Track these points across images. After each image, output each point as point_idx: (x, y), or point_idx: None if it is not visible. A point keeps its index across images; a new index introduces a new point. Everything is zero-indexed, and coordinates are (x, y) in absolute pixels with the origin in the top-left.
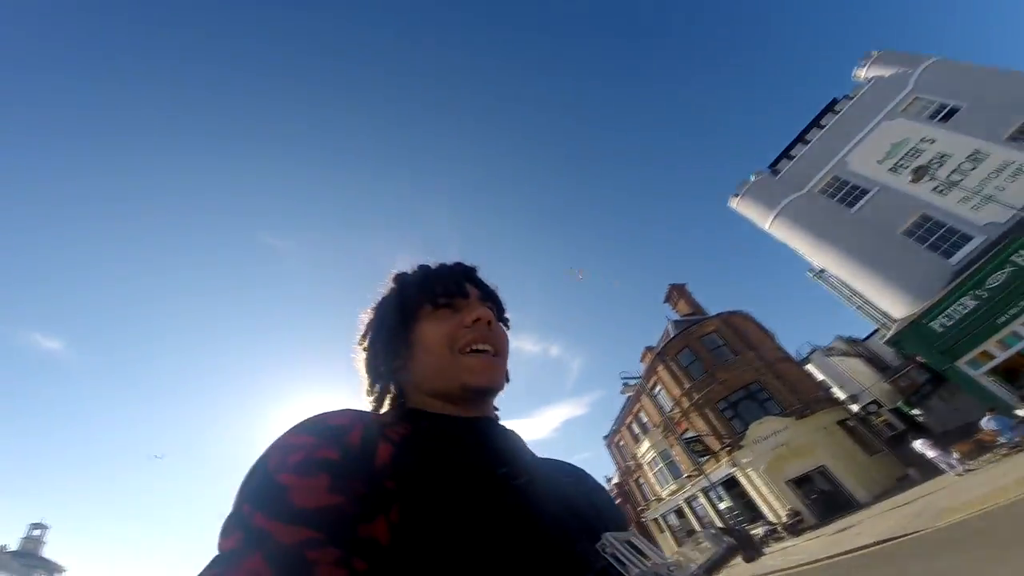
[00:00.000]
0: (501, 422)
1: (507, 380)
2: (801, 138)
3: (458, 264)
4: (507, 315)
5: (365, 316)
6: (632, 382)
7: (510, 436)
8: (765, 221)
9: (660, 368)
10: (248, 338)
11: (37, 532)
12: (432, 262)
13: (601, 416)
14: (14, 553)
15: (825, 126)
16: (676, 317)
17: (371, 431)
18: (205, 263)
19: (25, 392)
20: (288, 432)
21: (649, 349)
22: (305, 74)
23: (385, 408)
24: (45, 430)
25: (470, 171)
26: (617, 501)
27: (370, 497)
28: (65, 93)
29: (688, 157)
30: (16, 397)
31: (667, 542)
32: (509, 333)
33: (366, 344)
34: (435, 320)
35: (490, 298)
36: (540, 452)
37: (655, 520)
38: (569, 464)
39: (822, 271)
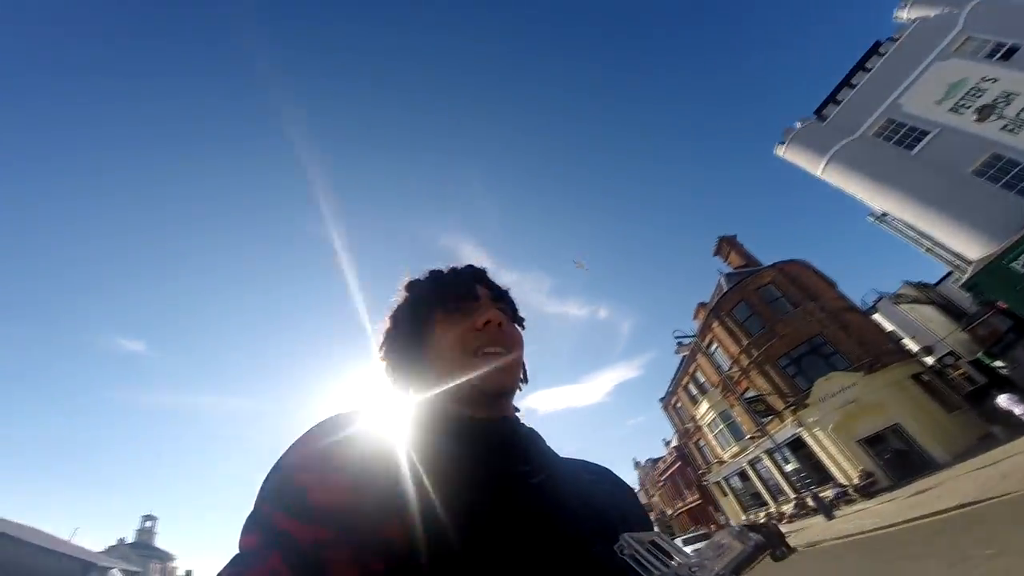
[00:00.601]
0: (522, 422)
1: (525, 380)
2: (847, 83)
3: (468, 267)
4: (521, 315)
5: (383, 325)
6: (686, 341)
7: (528, 436)
8: (816, 167)
9: (715, 325)
10: (311, 328)
11: (149, 523)
12: (443, 267)
13: (656, 378)
14: (132, 544)
15: (871, 69)
16: (728, 270)
17: (387, 432)
18: (266, 259)
19: (112, 392)
20: (308, 432)
21: (702, 305)
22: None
23: (407, 412)
24: (138, 427)
25: (504, 134)
26: (676, 464)
27: (385, 497)
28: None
29: (729, 106)
30: (105, 398)
31: (731, 506)
32: (524, 331)
33: (384, 352)
34: (447, 325)
35: (502, 299)
36: (592, 418)
37: (717, 484)
38: (594, 464)
39: (884, 215)
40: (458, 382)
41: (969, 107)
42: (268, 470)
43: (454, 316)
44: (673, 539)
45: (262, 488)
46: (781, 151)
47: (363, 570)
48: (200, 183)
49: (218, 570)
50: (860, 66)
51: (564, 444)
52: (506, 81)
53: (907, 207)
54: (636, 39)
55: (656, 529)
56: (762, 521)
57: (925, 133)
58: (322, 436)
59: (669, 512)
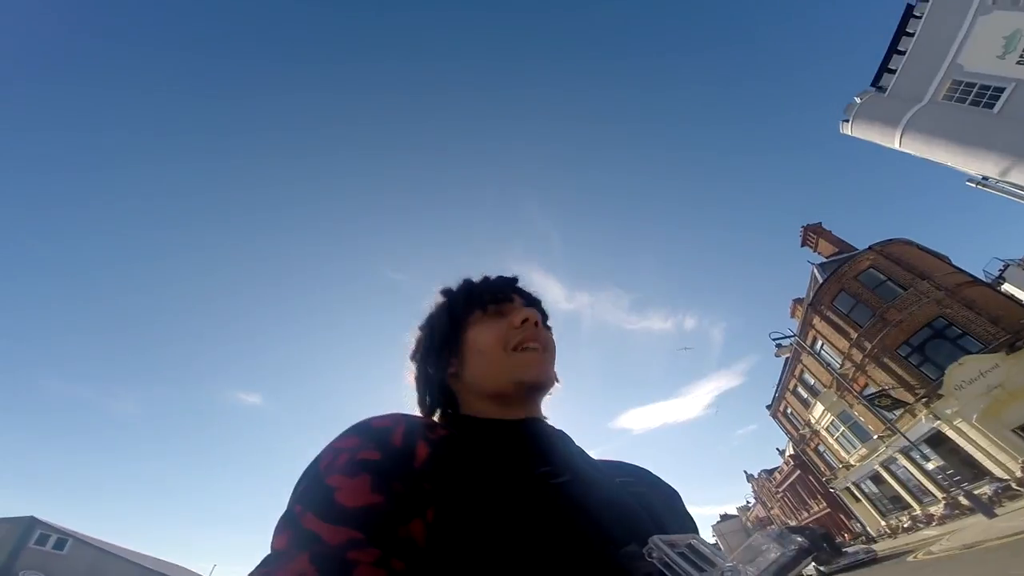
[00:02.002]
0: (550, 423)
1: (557, 381)
2: (895, 49)
3: (502, 276)
4: (550, 322)
5: (415, 333)
6: (786, 342)
7: (555, 436)
8: (892, 140)
9: (816, 320)
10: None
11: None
12: (475, 277)
13: (761, 383)
14: None
15: (913, 33)
16: (821, 260)
17: (412, 433)
18: (354, 308)
19: (240, 443)
20: (339, 436)
21: (798, 302)
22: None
23: (437, 417)
24: (261, 472)
25: (551, 149)
26: (795, 473)
27: (409, 497)
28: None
29: (781, 90)
30: (233, 448)
31: (866, 512)
32: (555, 337)
33: (417, 358)
34: (485, 324)
35: (533, 305)
36: (695, 432)
37: (846, 489)
38: (631, 465)
39: (985, 178)
40: (499, 377)
41: None
42: (301, 473)
43: (491, 316)
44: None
45: (295, 489)
46: (847, 128)
47: (387, 570)
48: (299, 247)
49: (250, 571)
50: (902, 31)
51: (664, 462)
52: (546, 91)
53: (1009, 167)
54: (681, 34)
55: (695, 532)
56: (809, 524)
57: (1000, 90)
58: (353, 439)
59: (792, 524)
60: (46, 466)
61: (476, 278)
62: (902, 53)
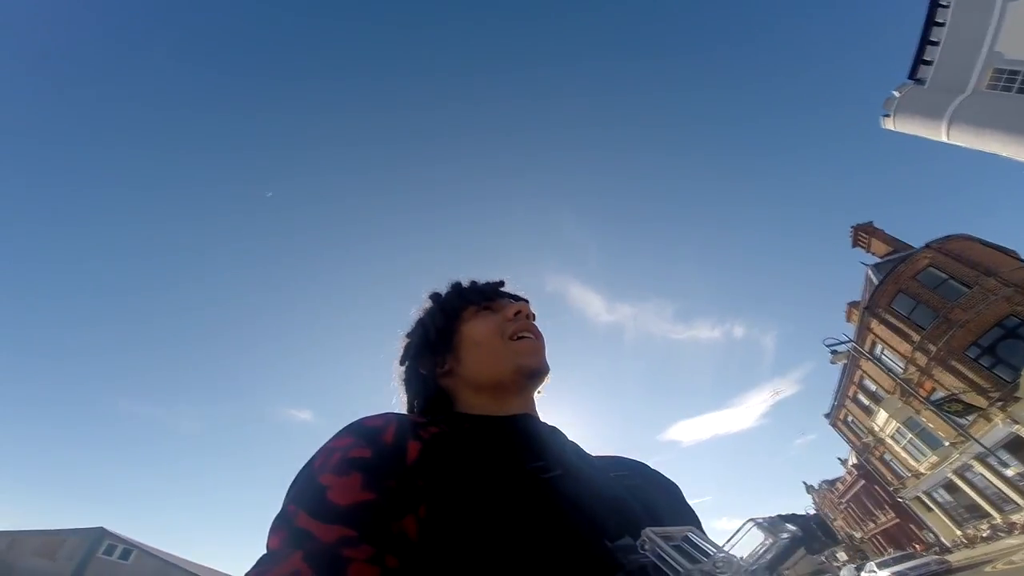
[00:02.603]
0: (542, 419)
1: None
2: (928, 40)
3: (486, 281)
4: (536, 321)
5: (403, 338)
6: (841, 348)
7: (547, 431)
8: (938, 133)
9: (874, 324)
10: None
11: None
12: (463, 280)
13: (818, 391)
14: None
15: (944, 23)
16: (874, 260)
17: (403, 431)
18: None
19: (292, 458)
20: (332, 436)
21: (853, 305)
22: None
23: (428, 413)
24: None
25: (584, 156)
26: (859, 483)
27: (401, 494)
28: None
29: (818, 88)
30: (286, 463)
31: (940, 521)
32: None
33: (407, 360)
34: (480, 317)
35: (523, 302)
36: (749, 443)
37: (916, 499)
38: (629, 460)
39: None
40: (497, 365)
41: None
42: (296, 472)
43: (483, 312)
44: (866, 563)
45: (289, 489)
46: (889, 123)
47: (381, 567)
48: (343, 267)
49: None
50: (932, 22)
51: (717, 474)
52: (571, 97)
53: None
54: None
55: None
56: (810, 512)
57: None
58: (346, 438)
59: (858, 536)
60: (116, 480)
61: (463, 281)
62: (935, 44)
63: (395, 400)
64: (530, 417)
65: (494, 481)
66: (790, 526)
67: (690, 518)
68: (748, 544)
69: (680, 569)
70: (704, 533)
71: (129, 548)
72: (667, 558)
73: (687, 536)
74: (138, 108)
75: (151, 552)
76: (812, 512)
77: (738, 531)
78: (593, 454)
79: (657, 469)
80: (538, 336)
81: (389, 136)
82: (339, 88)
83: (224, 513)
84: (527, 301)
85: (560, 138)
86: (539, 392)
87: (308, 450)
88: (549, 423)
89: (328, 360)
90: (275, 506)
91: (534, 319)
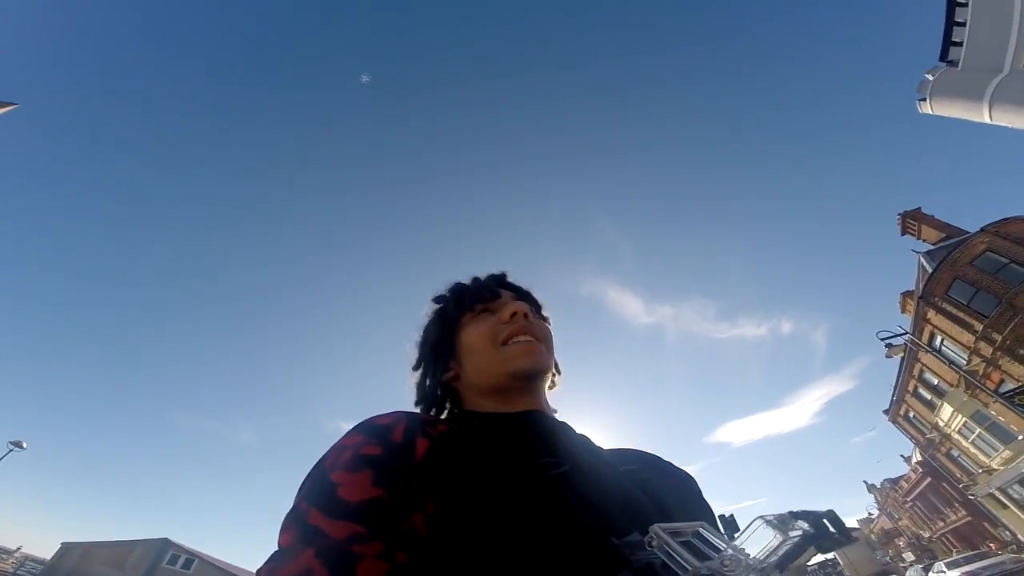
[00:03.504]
0: (552, 416)
1: (558, 371)
2: (953, 21)
3: (490, 274)
4: (545, 313)
5: (413, 343)
6: (897, 341)
7: (556, 426)
8: (979, 114)
9: (931, 313)
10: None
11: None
12: (465, 278)
13: (876, 386)
14: None
15: (967, 3)
16: (927, 247)
17: (413, 428)
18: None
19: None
20: (345, 434)
21: (907, 295)
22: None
23: (439, 414)
24: None
25: (615, 155)
26: (925, 481)
27: (409, 491)
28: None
29: (851, 75)
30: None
31: (1017, 518)
32: (551, 327)
33: (419, 368)
34: (475, 324)
35: (524, 298)
36: (805, 442)
37: (990, 496)
38: (640, 452)
39: None
40: (493, 371)
41: None
42: (309, 469)
43: (480, 316)
44: (934, 563)
45: (301, 486)
46: (927, 107)
47: (391, 562)
48: (384, 279)
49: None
50: (954, 2)
51: (771, 475)
52: (600, 95)
53: None
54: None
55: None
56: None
57: None
58: (357, 436)
59: (927, 535)
60: (179, 491)
61: (465, 280)
62: (962, 24)
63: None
64: (538, 413)
65: (501, 477)
66: (801, 523)
67: (704, 513)
68: (759, 541)
69: (688, 567)
70: (717, 529)
71: (191, 558)
72: (675, 555)
73: (698, 532)
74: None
75: (211, 562)
76: (825, 508)
77: (747, 528)
78: (605, 447)
79: (670, 462)
80: (538, 336)
81: (426, 144)
82: (371, 92)
83: (279, 523)
84: (528, 293)
85: (592, 139)
86: (551, 387)
87: None
88: (560, 418)
89: (375, 372)
90: None
91: (533, 316)
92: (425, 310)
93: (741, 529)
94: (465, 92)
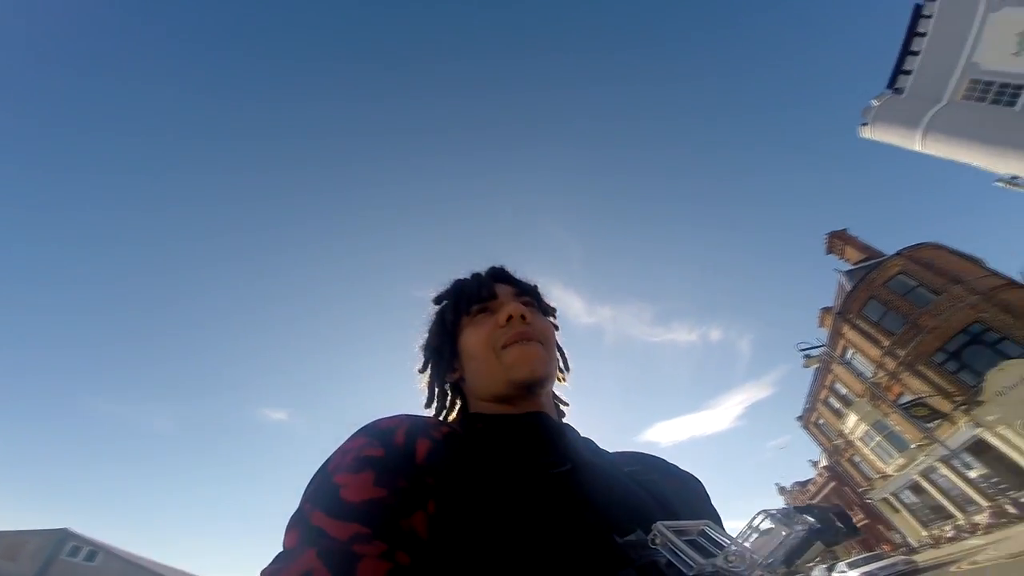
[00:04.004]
0: (554, 417)
1: (566, 368)
2: (908, 50)
3: (490, 268)
4: (551, 304)
5: (419, 347)
6: (814, 352)
7: (558, 427)
8: (912, 142)
9: (845, 329)
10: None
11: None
12: (464, 274)
13: (792, 394)
14: None
15: (925, 34)
16: (847, 267)
17: (415, 431)
18: (379, 325)
19: (268, 459)
20: (348, 438)
21: (826, 310)
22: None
23: (444, 418)
24: (288, 486)
25: (568, 159)
26: (829, 485)
27: (411, 491)
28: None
29: (795, 99)
30: (260, 463)
31: (907, 522)
32: (555, 321)
33: (424, 368)
34: (474, 327)
35: (526, 293)
36: (726, 445)
37: (884, 500)
38: (644, 455)
39: (1015, 178)
40: (492, 379)
41: None
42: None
43: (478, 319)
44: (836, 564)
45: (306, 488)
46: (867, 132)
47: (392, 563)
48: (319, 266)
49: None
50: (913, 32)
51: (695, 474)
52: (556, 104)
53: None
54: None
55: (705, 520)
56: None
57: (1020, 87)
58: (360, 439)
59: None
60: (83, 480)
61: (465, 274)
62: (915, 54)
63: (381, 401)
64: (540, 415)
65: (502, 476)
66: (808, 517)
67: (711, 515)
68: (764, 537)
69: (692, 564)
70: (723, 528)
71: (95, 550)
72: (679, 552)
73: (703, 531)
74: (120, 91)
75: (118, 554)
76: (831, 505)
77: (751, 523)
78: (611, 451)
79: (676, 464)
80: (537, 338)
81: (368, 131)
82: (314, 79)
83: (197, 514)
84: (530, 287)
85: (544, 137)
86: (561, 380)
87: (284, 450)
88: (563, 420)
89: (304, 358)
90: (250, 505)
91: (533, 314)
92: (427, 311)
93: (744, 525)
94: (414, 80)
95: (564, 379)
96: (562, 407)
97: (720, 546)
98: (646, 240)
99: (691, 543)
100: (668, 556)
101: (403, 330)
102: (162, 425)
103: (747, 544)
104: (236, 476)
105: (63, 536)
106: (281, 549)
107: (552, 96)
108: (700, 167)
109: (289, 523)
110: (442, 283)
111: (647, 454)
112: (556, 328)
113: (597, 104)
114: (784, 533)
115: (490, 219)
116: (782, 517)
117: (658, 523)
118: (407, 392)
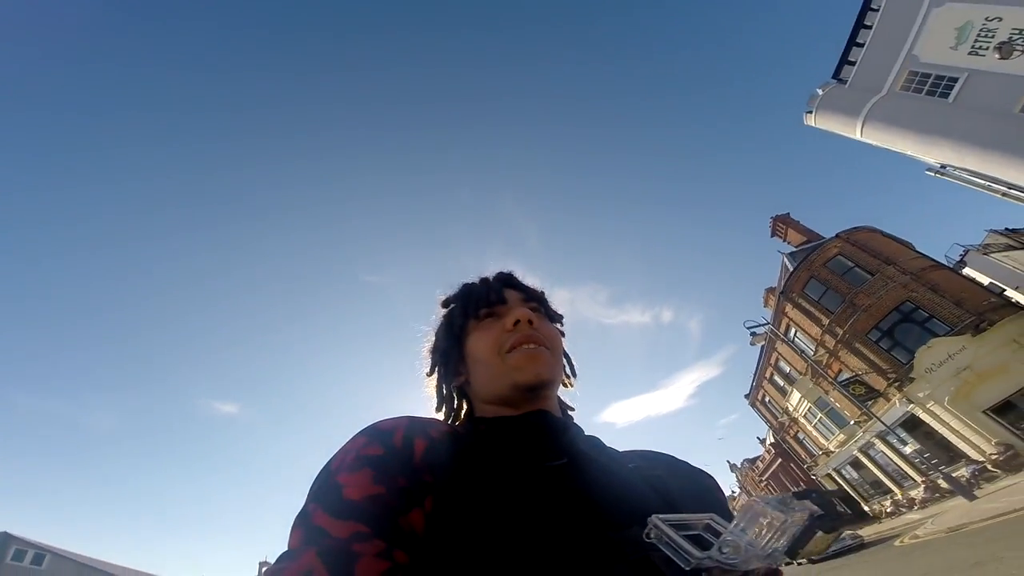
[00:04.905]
0: (555, 413)
1: (572, 374)
2: (854, 42)
3: (498, 273)
4: (558, 311)
5: (425, 347)
6: (760, 330)
7: (560, 424)
8: (853, 130)
9: (788, 308)
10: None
11: (265, 569)
12: (473, 278)
13: (740, 373)
14: None
15: (871, 26)
16: (790, 249)
17: (413, 430)
18: (332, 311)
19: (218, 452)
20: (350, 439)
21: (770, 291)
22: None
23: (450, 421)
24: (241, 481)
25: (525, 144)
26: (776, 461)
27: (409, 489)
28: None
29: (743, 86)
30: (212, 457)
31: (849, 497)
32: (562, 328)
33: (432, 372)
34: (481, 331)
35: (533, 299)
36: (679, 423)
37: (828, 476)
38: (652, 452)
39: (943, 167)
40: (498, 382)
41: (987, 48)
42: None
43: (485, 323)
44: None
45: (310, 489)
46: (811, 120)
47: (390, 561)
48: (271, 253)
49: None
50: (861, 24)
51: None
52: (515, 86)
53: (965, 155)
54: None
55: (710, 514)
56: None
57: (954, 80)
58: (361, 439)
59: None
60: (20, 481)
61: (473, 279)
62: (861, 45)
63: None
64: (540, 412)
65: (497, 472)
66: (807, 503)
67: (720, 509)
68: (762, 526)
69: (689, 558)
70: (723, 521)
71: (41, 552)
72: (675, 546)
73: (708, 524)
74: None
75: (67, 556)
76: (822, 492)
77: (745, 513)
78: (619, 449)
79: (684, 460)
80: (544, 343)
81: (315, 100)
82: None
83: (148, 512)
84: (538, 294)
85: (505, 129)
86: (567, 385)
87: (235, 444)
88: (562, 417)
89: (256, 350)
90: (202, 499)
91: (540, 320)
92: (434, 313)
93: (740, 514)
94: (367, 53)
95: (570, 384)
96: (567, 411)
97: (719, 535)
98: (601, 222)
99: (693, 537)
100: (664, 550)
101: (356, 318)
102: (102, 419)
103: (746, 534)
104: (186, 471)
105: (3, 540)
106: (286, 549)
107: (517, 89)
108: (653, 152)
109: (294, 523)
110: (450, 286)
111: (655, 451)
112: (563, 335)
113: (556, 87)
114: (782, 521)
115: (450, 198)
116: (778, 504)
117: (653, 516)
118: (368, 384)
